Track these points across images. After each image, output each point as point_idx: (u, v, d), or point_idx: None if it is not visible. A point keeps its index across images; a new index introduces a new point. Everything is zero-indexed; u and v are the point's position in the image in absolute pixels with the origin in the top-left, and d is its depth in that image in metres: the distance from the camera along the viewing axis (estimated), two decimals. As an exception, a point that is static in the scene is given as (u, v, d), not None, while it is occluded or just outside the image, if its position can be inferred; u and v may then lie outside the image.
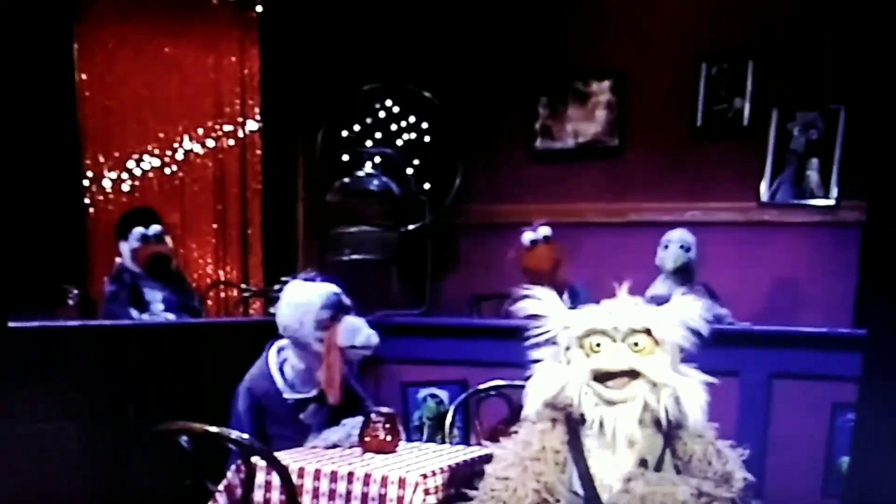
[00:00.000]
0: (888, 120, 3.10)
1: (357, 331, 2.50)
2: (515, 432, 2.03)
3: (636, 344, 1.90)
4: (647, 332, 1.91)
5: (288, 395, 2.54)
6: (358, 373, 2.91)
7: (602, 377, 1.90)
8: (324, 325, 2.47)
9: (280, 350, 2.59)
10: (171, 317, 3.39)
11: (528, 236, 3.52)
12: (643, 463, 1.89)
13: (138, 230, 3.43)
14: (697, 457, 1.92)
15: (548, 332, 1.96)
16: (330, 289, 2.54)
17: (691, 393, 1.91)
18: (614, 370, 1.89)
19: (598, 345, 1.91)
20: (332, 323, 2.48)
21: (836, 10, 3.88)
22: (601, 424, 1.89)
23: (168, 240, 3.58)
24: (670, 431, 1.93)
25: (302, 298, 2.51)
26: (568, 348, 1.95)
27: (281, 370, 2.57)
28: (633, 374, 1.90)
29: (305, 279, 2.58)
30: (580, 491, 1.90)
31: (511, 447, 1.98)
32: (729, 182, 4.09)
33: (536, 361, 2.00)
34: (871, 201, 3.65)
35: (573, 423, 1.95)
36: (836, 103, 3.96)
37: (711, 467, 1.92)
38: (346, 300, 2.54)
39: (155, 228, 3.47)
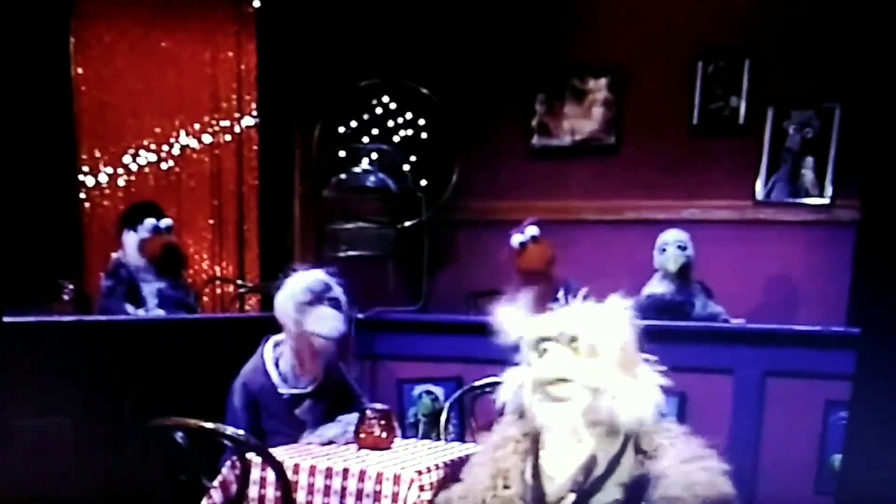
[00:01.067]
0: (883, 119, 3.11)
1: (324, 319, 2.53)
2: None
3: (577, 348, 1.99)
4: (578, 337, 2.00)
5: (283, 390, 2.55)
6: (354, 370, 2.92)
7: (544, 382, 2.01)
8: (300, 308, 2.50)
9: (276, 345, 2.60)
10: (161, 313, 3.38)
11: (516, 239, 3.52)
12: (592, 459, 1.96)
13: (150, 221, 3.43)
14: (664, 447, 1.98)
15: (511, 339, 2.05)
16: (317, 274, 2.57)
17: (632, 394, 1.97)
18: (548, 378, 1.98)
19: (545, 350, 2.00)
20: (309, 307, 2.50)
21: (833, 8, 3.88)
22: (547, 421, 1.99)
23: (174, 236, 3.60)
24: (629, 431, 1.99)
25: (293, 281, 2.56)
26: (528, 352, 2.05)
27: (277, 365, 2.58)
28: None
29: (305, 268, 2.63)
30: (530, 481, 1.98)
31: (487, 439, 2.10)
32: (725, 180, 4.09)
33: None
34: (865, 200, 3.66)
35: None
36: (831, 102, 3.97)
37: (680, 452, 1.97)
38: (335, 290, 2.56)
39: (166, 221, 3.49)
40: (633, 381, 1.98)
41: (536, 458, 1.99)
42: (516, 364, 2.06)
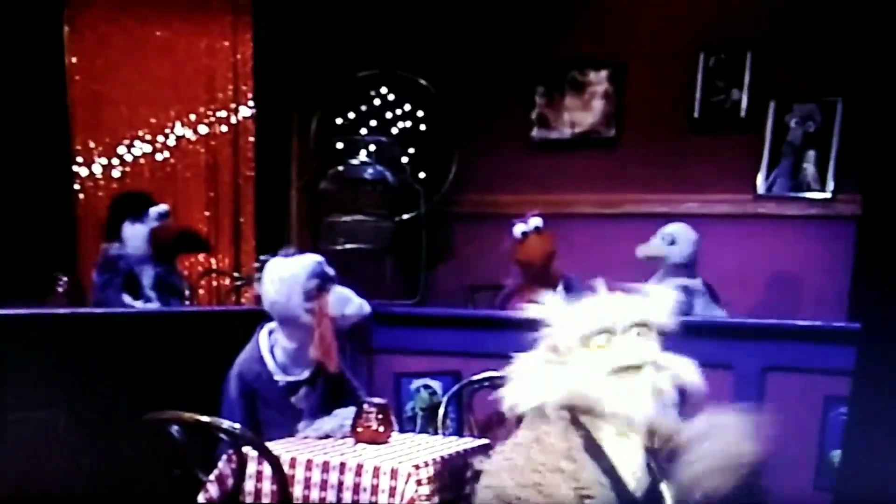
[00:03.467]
0: (885, 113, 3.09)
1: (347, 300, 2.51)
2: (505, 437, 2.04)
3: (638, 333, 1.95)
4: (645, 322, 1.97)
5: (279, 377, 2.53)
6: (351, 363, 2.90)
7: (620, 370, 1.95)
8: (312, 296, 2.47)
9: (270, 332, 2.58)
10: (153, 297, 3.37)
11: (519, 228, 3.49)
12: (651, 449, 1.94)
13: (156, 210, 3.41)
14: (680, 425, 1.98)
15: (552, 335, 1.98)
16: (313, 259, 2.54)
17: (689, 373, 1.97)
18: (638, 363, 1.93)
19: (605, 340, 1.95)
20: (320, 293, 2.47)
21: (835, 2, 3.86)
22: (621, 414, 1.93)
23: None
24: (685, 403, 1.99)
25: (286, 272, 2.50)
26: (568, 348, 1.97)
27: (272, 353, 2.55)
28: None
29: (285, 256, 2.57)
30: (606, 483, 1.92)
31: (517, 456, 1.96)
32: (725, 174, 4.09)
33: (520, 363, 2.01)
34: (867, 195, 3.66)
35: (580, 421, 1.97)
36: (833, 96, 3.96)
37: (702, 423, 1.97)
38: (330, 270, 2.53)
39: (164, 207, 3.46)
40: (681, 360, 1.98)
41: (607, 460, 1.92)
42: (528, 363, 1.98)
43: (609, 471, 1.91)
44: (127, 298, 3.35)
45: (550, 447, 1.92)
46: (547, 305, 2.00)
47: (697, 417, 1.97)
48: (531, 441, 1.95)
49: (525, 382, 1.97)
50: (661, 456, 1.94)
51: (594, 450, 1.93)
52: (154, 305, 3.38)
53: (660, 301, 2.00)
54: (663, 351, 1.97)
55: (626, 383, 1.92)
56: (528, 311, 2.00)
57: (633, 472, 1.92)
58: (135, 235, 3.39)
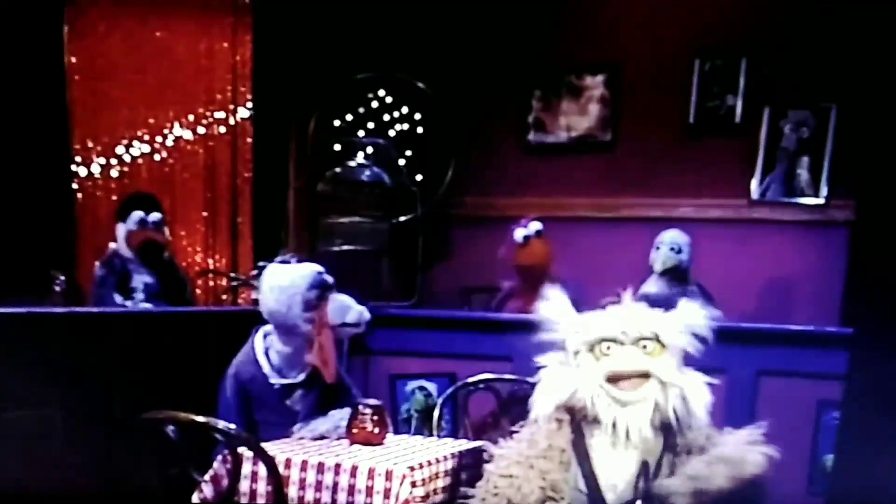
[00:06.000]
0: (879, 119, 3.11)
1: (347, 308, 2.51)
2: (515, 432, 2.10)
3: (645, 347, 2.00)
4: (655, 336, 2.01)
5: (274, 380, 2.53)
6: (346, 364, 2.91)
7: (614, 379, 1.99)
8: (311, 306, 2.47)
9: (266, 335, 2.58)
10: (148, 306, 3.38)
11: (520, 233, 3.50)
12: (645, 465, 1.95)
13: (137, 214, 3.45)
14: (698, 445, 2.00)
15: (559, 336, 2.03)
16: (313, 268, 2.54)
17: (697, 391, 2.00)
18: (628, 372, 1.97)
19: (609, 348, 2.00)
20: (320, 302, 2.48)
21: (830, 8, 3.89)
22: (614, 425, 1.96)
23: (166, 230, 3.59)
24: (671, 430, 2.00)
25: (286, 281, 2.50)
26: (577, 352, 2.03)
27: (267, 355, 2.56)
28: (643, 376, 1.99)
29: (282, 262, 2.57)
30: (584, 489, 1.95)
31: (514, 446, 2.05)
32: (720, 179, 4.10)
33: (542, 366, 2.07)
34: (860, 200, 3.67)
35: (578, 424, 2.02)
36: (827, 102, 3.98)
37: (715, 446, 1.99)
38: (330, 278, 2.54)
39: (155, 216, 3.49)
40: (691, 378, 2.00)
41: (589, 466, 1.96)
42: (544, 367, 2.04)
43: (588, 476, 1.95)
44: (118, 298, 3.37)
45: (535, 444, 1.99)
46: (557, 308, 2.04)
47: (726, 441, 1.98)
48: (526, 436, 2.02)
49: (541, 384, 2.04)
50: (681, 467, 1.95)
51: (581, 454, 1.97)
52: (145, 305, 3.40)
53: (676, 318, 2.03)
54: (677, 368, 1.99)
55: (622, 394, 1.96)
56: (540, 311, 2.04)
57: (614, 485, 1.94)
58: (119, 236, 3.45)
